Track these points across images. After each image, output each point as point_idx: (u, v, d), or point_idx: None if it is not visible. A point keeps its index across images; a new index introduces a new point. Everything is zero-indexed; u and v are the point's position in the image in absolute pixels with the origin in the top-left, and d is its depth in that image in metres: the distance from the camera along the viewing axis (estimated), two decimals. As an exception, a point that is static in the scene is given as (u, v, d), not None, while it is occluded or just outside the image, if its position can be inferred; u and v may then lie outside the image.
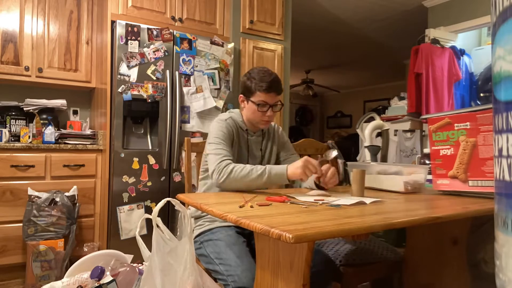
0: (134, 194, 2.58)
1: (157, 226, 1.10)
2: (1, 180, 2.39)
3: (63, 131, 2.79)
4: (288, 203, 1.17)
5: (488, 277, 1.46)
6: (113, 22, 2.59)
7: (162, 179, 2.68)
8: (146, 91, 2.63)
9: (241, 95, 1.64)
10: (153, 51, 2.65)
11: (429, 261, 1.56)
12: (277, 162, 1.76)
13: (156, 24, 2.77)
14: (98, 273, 1.31)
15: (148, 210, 2.63)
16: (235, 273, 1.22)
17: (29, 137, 2.66)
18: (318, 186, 1.50)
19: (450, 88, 3.42)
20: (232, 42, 3.04)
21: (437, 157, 1.43)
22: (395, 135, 3.74)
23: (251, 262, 1.25)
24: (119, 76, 2.54)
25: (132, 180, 2.58)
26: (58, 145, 2.58)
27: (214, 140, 1.54)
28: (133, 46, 2.58)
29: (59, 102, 2.92)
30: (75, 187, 2.55)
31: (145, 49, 2.62)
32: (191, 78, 2.80)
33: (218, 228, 1.46)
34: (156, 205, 1.08)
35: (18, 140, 2.69)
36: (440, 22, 3.83)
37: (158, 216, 1.10)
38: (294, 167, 1.39)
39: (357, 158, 3.78)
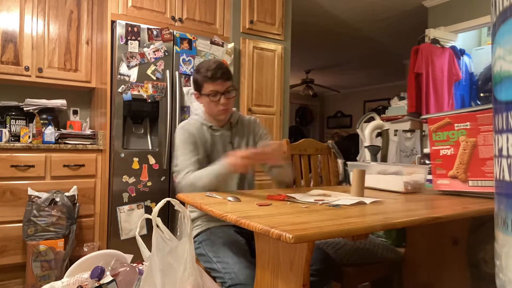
0: (134, 194, 2.58)
1: (157, 226, 1.10)
2: (1, 180, 2.39)
3: (63, 131, 2.79)
4: (288, 202, 1.17)
5: (488, 277, 1.46)
6: (113, 22, 2.59)
7: (162, 179, 2.68)
8: (146, 91, 2.63)
9: (194, 92, 1.61)
10: (153, 51, 2.65)
11: (429, 261, 1.56)
12: None
13: (156, 24, 2.77)
14: (98, 273, 1.31)
15: (148, 210, 2.63)
16: (232, 270, 1.22)
17: (29, 137, 2.66)
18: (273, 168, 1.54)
19: (450, 88, 3.42)
20: (232, 42, 3.04)
21: (437, 157, 1.43)
22: (395, 135, 3.74)
23: (249, 260, 1.26)
24: (119, 76, 2.54)
25: (132, 180, 2.57)
26: (58, 145, 2.58)
27: (177, 153, 1.54)
28: (133, 46, 2.58)
29: (59, 102, 2.92)
30: (75, 187, 2.55)
31: (145, 49, 2.62)
32: (191, 78, 2.80)
33: (217, 227, 1.46)
34: (156, 205, 1.08)
35: (18, 140, 2.69)
36: (440, 22, 3.83)
37: (158, 216, 1.10)
38: (229, 165, 1.36)
39: (357, 158, 3.78)
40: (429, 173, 1.54)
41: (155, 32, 2.66)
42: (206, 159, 1.56)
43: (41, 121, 2.70)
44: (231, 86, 1.55)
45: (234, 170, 1.38)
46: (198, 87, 1.57)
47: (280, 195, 1.25)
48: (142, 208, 2.61)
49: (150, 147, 2.73)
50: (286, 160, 1.47)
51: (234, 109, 1.67)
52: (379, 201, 1.23)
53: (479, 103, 3.58)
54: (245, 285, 1.17)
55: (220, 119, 1.61)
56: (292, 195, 1.32)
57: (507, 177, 0.67)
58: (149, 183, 2.63)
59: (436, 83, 3.34)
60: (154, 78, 2.66)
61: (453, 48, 3.54)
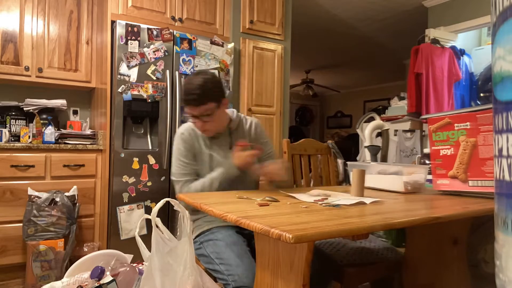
0: (134, 194, 2.58)
1: (157, 226, 1.10)
2: (1, 180, 2.39)
3: (63, 131, 2.79)
4: (288, 203, 1.17)
5: (488, 277, 1.46)
6: (113, 22, 2.59)
7: (162, 179, 2.68)
8: (146, 91, 2.63)
9: None
10: (153, 51, 2.65)
11: (429, 261, 1.56)
12: None
13: (156, 24, 2.76)
14: (98, 273, 1.31)
15: (148, 210, 2.63)
16: (236, 272, 1.22)
17: (29, 137, 2.66)
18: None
19: (450, 88, 3.42)
20: (232, 42, 3.04)
21: (437, 157, 1.43)
22: (395, 135, 3.74)
23: (251, 262, 1.25)
24: (119, 76, 2.54)
25: (132, 180, 2.57)
26: (58, 145, 2.58)
27: (174, 162, 1.56)
28: (133, 46, 2.58)
29: (59, 102, 2.92)
30: (75, 187, 2.55)
31: (145, 49, 2.62)
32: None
33: (218, 228, 1.46)
34: (156, 205, 1.08)
35: (18, 140, 2.69)
36: (440, 22, 3.83)
37: (157, 216, 1.10)
38: (232, 168, 1.49)
39: (357, 158, 3.78)
40: (429, 173, 1.54)
41: (155, 32, 2.66)
42: (204, 167, 1.58)
43: (41, 121, 2.70)
44: (208, 110, 1.47)
45: (236, 172, 1.47)
46: None
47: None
48: (142, 208, 2.61)
49: (150, 147, 2.73)
50: (286, 173, 1.56)
51: (234, 114, 1.66)
52: (379, 201, 1.23)
53: (479, 103, 3.57)
54: None
55: (205, 135, 1.62)
56: (292, 194, 1.32)
57: (507, 177, 0.67)
58: (149, 183, 2.63)
59: (436, 83, 3.34)
60: (154, 78, 2.66)
61: (453, 48, 3.53)
